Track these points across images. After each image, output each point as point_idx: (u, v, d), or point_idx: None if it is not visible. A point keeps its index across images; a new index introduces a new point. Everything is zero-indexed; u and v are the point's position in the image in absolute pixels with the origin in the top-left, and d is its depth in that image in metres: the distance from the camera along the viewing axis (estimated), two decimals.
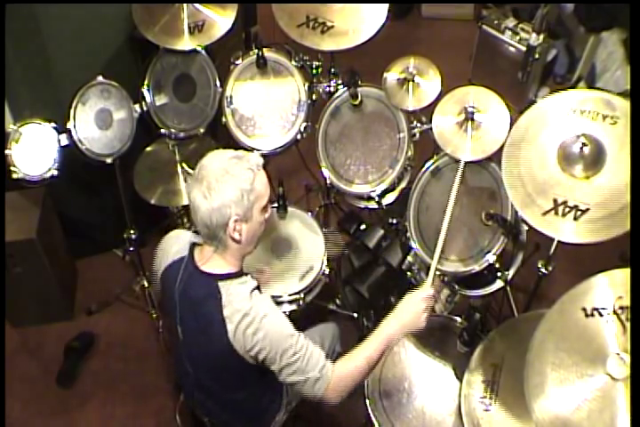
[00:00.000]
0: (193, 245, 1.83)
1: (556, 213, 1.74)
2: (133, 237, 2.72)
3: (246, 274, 1.81)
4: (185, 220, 2.82)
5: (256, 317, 1.70)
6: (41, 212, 2.67)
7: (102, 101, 2.41)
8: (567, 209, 1.73)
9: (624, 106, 1.74)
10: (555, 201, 1.75)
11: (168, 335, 1.91)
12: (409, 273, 2.28)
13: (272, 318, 1.72)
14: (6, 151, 2.24)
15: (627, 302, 1.41)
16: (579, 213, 1.72)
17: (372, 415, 1.95)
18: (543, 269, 2.19)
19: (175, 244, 1.88)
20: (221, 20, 2.43)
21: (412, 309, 1.79)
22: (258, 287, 1.80)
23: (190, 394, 2.04)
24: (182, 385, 2.10)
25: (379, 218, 2.55)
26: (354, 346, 2.58)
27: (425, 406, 1.98)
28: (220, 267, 1.77)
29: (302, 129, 2.41)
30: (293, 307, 2.31)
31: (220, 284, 1.74)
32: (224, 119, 2.45)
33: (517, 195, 1.81)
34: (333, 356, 2.16)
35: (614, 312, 1.41)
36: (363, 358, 1.77)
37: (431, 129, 2.08)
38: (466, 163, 2.00)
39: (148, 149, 2.84)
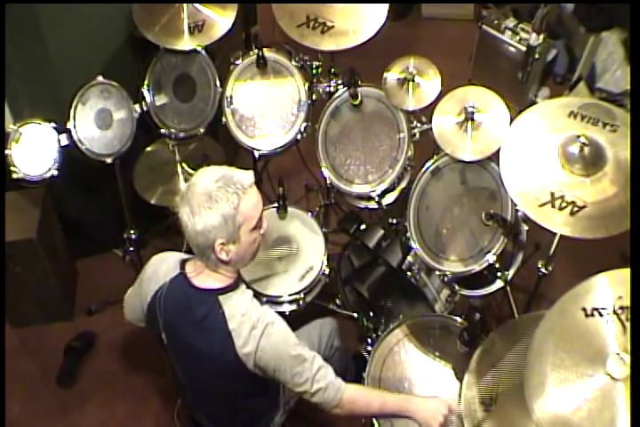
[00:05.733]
0: (184, 261, 1.81)
1: (553, 206, 1.74)
2: (133, 237, 2.73)
3: (242, 282, 1.81)
4: None
5: (264, 327, 1.70)
6: (41, 212, 2.67)
7: (102, 101, 2.41)
8: (564, 204, 1.74)
9: (624, 116, 1.75)
10: (552, 195, 1.76)
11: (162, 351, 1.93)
12: (409, 273, 2.28)
13: (278, 327, 1.73)
14: (6, 151, 2.24)
15: (627, 302, 1.41)
16: (575, 208, 1.72)
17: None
18: (543, 270, 2.20)
19: (163, 264, 1.84)
20: (221, 20, 2.43)
21: (436, 410, 1.84)
22: (254, 295, 1.81)
23: (185, 399, 2.05)
24: (178, 391, 2.10)
25: (379, 218, 2.55)
26: (354, 345, 2.60)
27: None
28: (216, 281, 1.76)
29: (302, 129, 2.41)
30: (293, 307, 2.31)
31: (221, 298, 1.73)
32: (224, 119, 2.45)
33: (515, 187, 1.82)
34: (332, 351, 2.18)
35: (614, 312, 1.41)
36: (379, 400, 1.84)
37: (431, 129, 2.08)
38: None
39: (148, 149, 2.84)
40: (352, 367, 2.37)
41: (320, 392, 1.74)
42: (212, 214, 1.63)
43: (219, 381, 1.84)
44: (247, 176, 1.70)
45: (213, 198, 1.62)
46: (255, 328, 1.70)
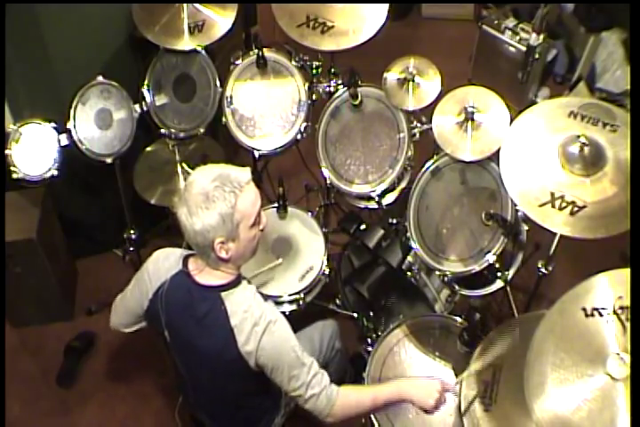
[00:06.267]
0: (186, 258, 1.81)
1: (553, 206, 1.75)
2: (133, 237, 2.73)
3: (244, 278, 1.81)
4: None
5: (266, 325, 1.70)
6: (41, 212, 2.66)
7: (102, 101, 2.41)
8: (564, 204, 1.74)
9: (624, 116, 1.76)
10: (552, 195, 1.76)
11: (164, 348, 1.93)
12: (409, 273, 2.28)
13: (280, 326, 1.73)
14: (6, 151, 2.24)
15: (627, 302, 1.41)
16: (575, 208, 1.72)
17: (371, 416, 1.95)
18: (543, 270, 2.20)
19: (165, 261, 1.83)
20: (221, 20, 2.43)
21: (430, 388, 1.81)
22: (257, 291, 1.80)
23: (187, 397, 2.05)
24: (180, 389, 2.10)
25: (379, 218, 2.55)
26: (354, 345, 2.60)
27: None
28: (218, 278, 1.75)
29: (302, 129, 2.41)
30: (293, 307, 2.31)
31: (223, 294, 1.73)
32: (224, 119, 2.45)
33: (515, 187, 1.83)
34: (333, 353, 2.17)
35: (614, 312, 1.41)
36: (370, 396, 1.81)
37: (431, 129, 2.08)
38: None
39: (148, 149, 2.84)
40: (351, 370, 2.37)
41: (313, 399, 1.73)
42: (209, 214, 1.62)
43: (220, 379, 1.84)
44: (244, 174, 1.69)
45: (210, 198, 1.62)
46: (257, 325, 1.69)
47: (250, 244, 1.75)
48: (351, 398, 1.81)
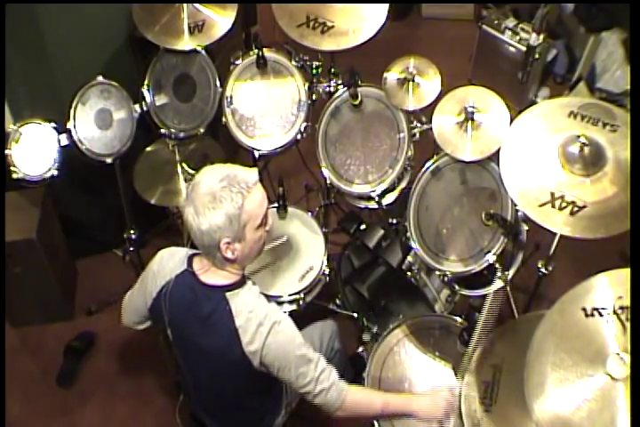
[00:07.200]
0: (191, 257, 1.80)
1: (553, 206, 1.75)
2: (133, 237, 2.73)
3: (249, 279, 1.81)
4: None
5: (271, 325, 1.70)
6: (41, 212, 2.67)
7: (102, 101, 2.41)
8: (564, 204, 1.74)
9: (624, 116, 1.76)
10: (552, 195, 1.76)
11: (166, 347, 1.93)
12: (409, 273, 2.28)
13: (285, 326, 1.73)
14: (6, 151, 2.24)
15: (627, 302, 1.41)
16: (575, 208, 1.73)
17: None
18: (543, 270, 2.20)
19: (170, 260, 1.83)
20: (221, 20, 2.43)
21: (437, 399, 1.84)
22: (261, 292, 1.80)
23: (188, 397, 2.05)
24: (181, 388, 2.10)
25: (379, 218, 2.55)
26: (354, 345, 2.60)
27: None
28: (223, 278, 1.75)
29: (302, 129, 2.41)
30: (293, 307, 2.31)
31: (228, 294, 1.73)
32: (224, 119, 2.45)
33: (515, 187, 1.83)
34: (332, 353, 2.18)
35: (614, 312, 1.41)
36: (382, 399, 1.84)
37: (431, 129, 2.08)
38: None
39: (148, 149, 2.83)
40: (350, 370, 2.37)
41: (323, 394, 1.74)
42: (216, 214, 1.62)
43: (221, 378, 1.84)
44: (251, 174, 1.69)
45: (217, 199, 1.62)
46: (262, 325, 1.69)
47: (256, 244, 1.75)
48: (362, 396, 1.83)
